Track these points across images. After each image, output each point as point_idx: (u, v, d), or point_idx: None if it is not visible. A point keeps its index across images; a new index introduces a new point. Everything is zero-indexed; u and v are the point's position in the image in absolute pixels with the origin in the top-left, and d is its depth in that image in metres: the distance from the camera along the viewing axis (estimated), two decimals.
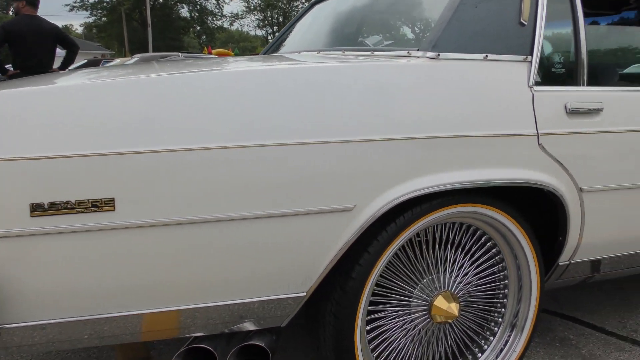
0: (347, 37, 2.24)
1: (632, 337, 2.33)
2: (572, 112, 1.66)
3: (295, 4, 36.66)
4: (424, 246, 1.67)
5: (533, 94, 1.63)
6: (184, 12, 35.16)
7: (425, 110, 1.49)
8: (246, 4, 36.98)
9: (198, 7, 33.85)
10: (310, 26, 2.59)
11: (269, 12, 35.59)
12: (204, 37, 37.45)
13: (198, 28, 36.77)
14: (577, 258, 1.83)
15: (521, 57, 1.64)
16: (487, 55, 1.60)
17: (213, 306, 1.36)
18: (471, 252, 1.73)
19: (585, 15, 1.80)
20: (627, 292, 2.83)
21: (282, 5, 35.85)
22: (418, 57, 1.57)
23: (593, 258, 1.86)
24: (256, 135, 1.31)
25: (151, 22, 28.47)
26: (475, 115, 1.55)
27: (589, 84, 1.75)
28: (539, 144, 1.61)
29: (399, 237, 1.52)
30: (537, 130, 1.61)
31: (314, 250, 1.41)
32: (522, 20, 1.66)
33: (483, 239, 1.74)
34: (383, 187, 1.43)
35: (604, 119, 1.72)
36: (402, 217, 1.51)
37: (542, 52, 1.69)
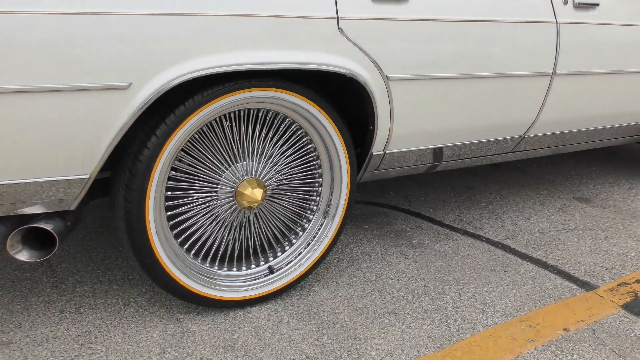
0: None
1: (464, 229, 2.49)
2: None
3: None
4: (228, 132, 1.66)
5: None
6: None
7: None
8: None
9: None
10: None
11: None
12: None
13: None
14: (392, 148, 1.89)
15: None
16: None
17: None
18: (279, 141, 1.74)
19: None
20: (473, 191, 3.00)
21: None
22: None
23: (409, 149, 1.93)
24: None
25: None
26: None
27: None
28: (338, 28, 1.59)
29: (187, 120, 1.49)
30: (337, 13, 1.58)
31: (91, 130, 1.36)
32: None
33: (293, 127, 1.75)
34: (161, 66, 1.37)
35: (411, 7, 1.71)
36: (192, 100, 1.48)
37: None
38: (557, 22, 2.04)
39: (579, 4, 2.09)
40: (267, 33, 1.49)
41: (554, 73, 2.09)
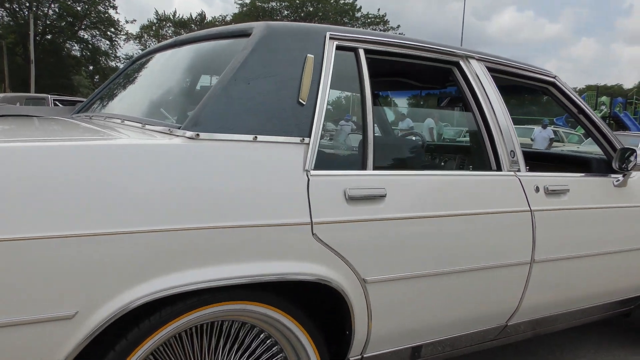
0: (143, 101, 2.05)
1: None
2: (352, 199, 1.57)
3: None
4: (197, 343, 1.47)
5: (309, 179, 1.52)
6: (75, 50, 33.56)
7: (175, 198, 1.31)
8: (142, 48, 36.22)
9: (90, 46, 32.46)
10: (120, 84, 2.39)
11: None
12: (97, 77, 35.92)
13: (90, 67, 35.22)
14: (370, 351, 1.72)
15: (297, 139, 1.54)
16: (256, 137, 1.47)
17: None
18: (248, 351, 1.55)
19: (375, 97, 1.76)
20: None
21: None
22: (177, 135, 1.41)
23: (388, 350, 1.76)
24: None
25: (38, 58, 26.79)
26: (239, 203, 1.39)
27: (374, 168, 1.68)
28: (312, 234, 1.49)
29: (143, 344, 1.30)
30: (311, 218, 1.49)
31: None
32: (300, 100, 1.57)
33: (262, 336, 1.57)
34: (114, 289, 1.21)
35: (387, 206, 1.64)
36: (148, 321, 1.30)
37: (323, 133, 1.60)
38: (531, 210, 2.01)
39: (550, 190, 2.09)
40: (234, 245, 1.37)
41: (533, 260, 2.02)
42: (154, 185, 1.28)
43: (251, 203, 1.41)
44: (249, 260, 1.39)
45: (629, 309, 2.74)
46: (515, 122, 2.19)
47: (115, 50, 33.16)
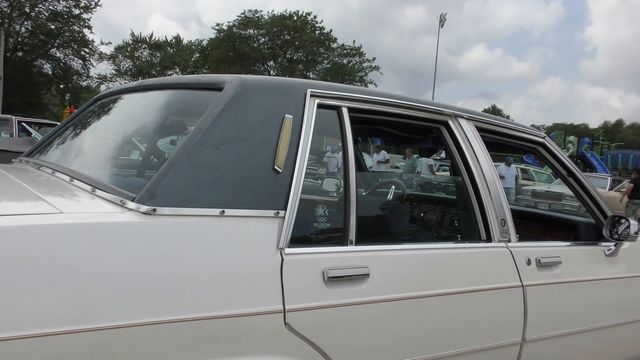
0: (97, 155, 1.83)
1: None
2: (331, 280, 1.39)
3: (169, 72, 36.10)
4: None
5: (283, 259, 1.33)
6: (47, 68, 32.83)
7: (119, 288, 1.10)
8: (116, 68, 35.66)
9: (62, 64, 31.80)
10: (77, 127, 2.17)
11: (140, 78, 34.65)
12: (68, 95, 35.17)
13: (62, 86, 34.49)
14: None
15: (271, 213, 1.35)
16: (224, 211, 1.28)
17: None
18: None
19: (358, 159, 1.59)
20: None
21: (155, 73, 35.08)
22: (130, 209, 1.21)
23: None
24: None
25: (8, 75, 26.07)
26: (202, 291, 1.19)
27: (357, 244, 1.50)
28: (285, 324, 1.29)
29: None
30: (283, 305, 1.29)
31: None
32: (276, 167, 1.39)
33: None
34: None
35: (371, 285, 1.46)
36: None
37: (300, 206, 1.41)
38: (522, 285, 1.85)
39: (543, 263, 1.94)
40: (193, 341, 1.16)
41: (523, 340, 1.86)
42: (94, 274, 1.08)
43: (216, 291, 1.21)
44: (209, 357, 1.19)
45: None
46: None
47: (88, 70, 32.56)
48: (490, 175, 1.93)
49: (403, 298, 1.52)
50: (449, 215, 2.47)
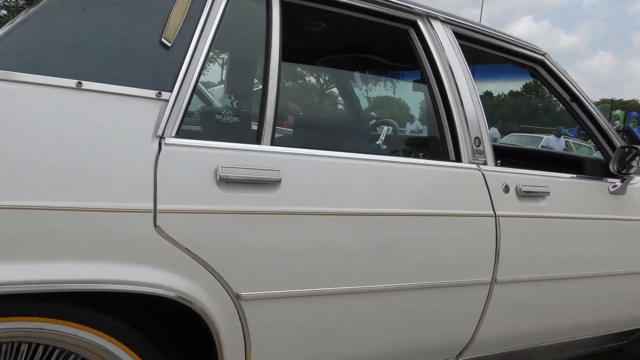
0: None
1: None
2: (226, 181, 1.12)
3: None
4: None
5: (160, 149, 1.07)
6: None
7: None
8: None
9: None
10: None
11: None
12: None
13: None
14: None
15: (151, 93, 1.09)
16: (81, 82, 1.02)
17: None
18: None
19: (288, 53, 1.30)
20: None
21: None
22: None
23: None
24: None
25: None
26: (40, 175, 0.95)
27: (273, 144, 1.23)
28: (155, 226, 1.04)
29: None
30: (155, 204, 1.04)
31: None
32: (163, 40, 1.12)
33: None
34: None
35: (283, 195, 1.19)
36: None
37: (199, 92, 1.15)
38: (495, 215, 1.54)
39: (524, 192, 1.62)
40: (43, 235, 0.93)
41: (494, 280, 1.56)
42: None
43: (65, 178, 0.97)
44: (65, 258, 0.95)
45: (621, 344, 2.27)
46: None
47: None
48: (465, 85, 1.61)
49: (329, 213, 1.24)
50: (414, 133, 2.15)
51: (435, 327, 1.51)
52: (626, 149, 1.88)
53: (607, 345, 2.21)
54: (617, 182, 1.89)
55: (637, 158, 1.83)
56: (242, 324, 1.16)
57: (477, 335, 1.60)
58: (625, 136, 22.23)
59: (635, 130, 22.84)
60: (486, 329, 1.60)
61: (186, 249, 1.06)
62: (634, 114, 24.94)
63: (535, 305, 1.71)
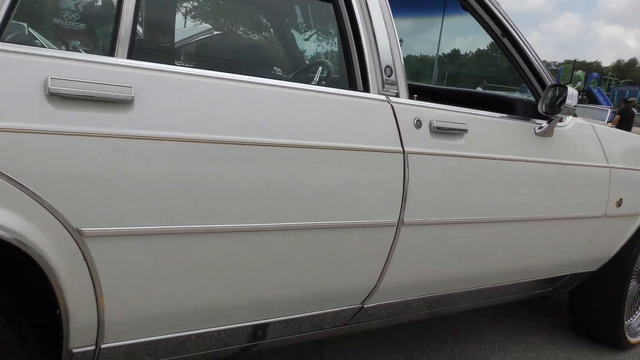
0: None
1: None
2: (59, 96, 0.94)
3: None
4: None
5: None
6: None
7: None
8: None
9: None
10: None
11: None
12: None
13: None
14: (116, 339, 1.12)
15: None
16: None
17: None
18: None
19: None
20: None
21: None
22: None
23: (138, 340, 1.16)
24: None
25: None
26: None
27: (132, 57, 1.04)
28: None
29: None
30: None
31: None
32: None
33: None
34: None
35: (134, 116, 1.01)
36: None
37: None
38: (404, 151, 1.41)
39: (437, 128, 1.48)
40: None
41: (401, 222, 1.43)
42: None
43: None
44: None
45: (547, 291, 2.23)
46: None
47: None
48: (379, 13, 1.44)
49: (194, 140, 1.07)
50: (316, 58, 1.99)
51: (336, 271, 1.38)
52: (556, 88, 1.76)
53: (534, 292, 2.16)
54: (544, 123, 1.78)
55: (566, 97, 1.72)
56: (88, 266, 1.00)
57: (383, 280, 1.49)
58: (585, 96, 22.56)
59: (595, 90, 23.23)
60: (393, 274, 1.49)
61: (8, 176, 0.89)
62: (595, 74, 25.33)
63: (451, 250, 1.61)
